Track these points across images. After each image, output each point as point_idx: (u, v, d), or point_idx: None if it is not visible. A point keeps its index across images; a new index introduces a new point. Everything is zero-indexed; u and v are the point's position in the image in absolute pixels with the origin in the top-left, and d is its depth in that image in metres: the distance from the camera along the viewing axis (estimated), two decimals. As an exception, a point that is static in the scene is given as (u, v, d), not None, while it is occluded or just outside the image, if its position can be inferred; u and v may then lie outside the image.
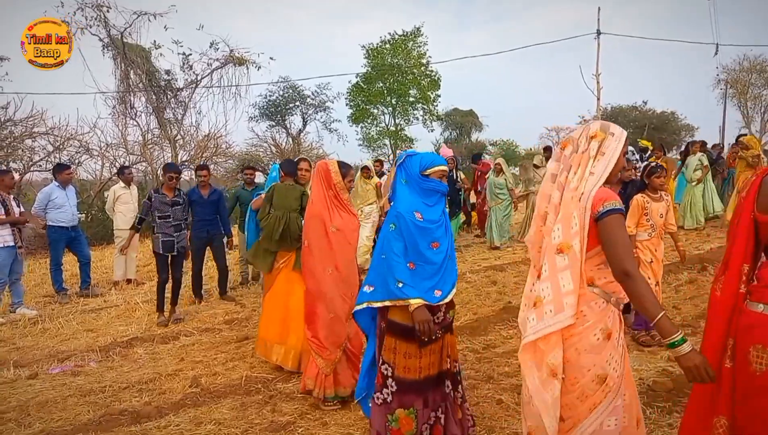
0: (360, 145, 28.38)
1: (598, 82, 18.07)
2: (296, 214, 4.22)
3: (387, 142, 28.12)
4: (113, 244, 8.47)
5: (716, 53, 21.43)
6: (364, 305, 2.71)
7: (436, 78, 27.53)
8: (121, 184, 8.03)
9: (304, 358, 3.86)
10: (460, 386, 2.79)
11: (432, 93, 27.92)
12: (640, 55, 75.41)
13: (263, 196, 4.58)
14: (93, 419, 3.54)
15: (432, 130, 29.89)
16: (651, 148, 9.50)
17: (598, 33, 18.03)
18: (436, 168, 2.64)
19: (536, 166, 9.51)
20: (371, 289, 2.70)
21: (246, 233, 4.89)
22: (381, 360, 2.69)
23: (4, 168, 8.96)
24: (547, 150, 10.37)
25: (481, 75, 66.46)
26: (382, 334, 2.72)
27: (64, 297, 7.05)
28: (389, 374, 2.64)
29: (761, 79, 26.65)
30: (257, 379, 4.10)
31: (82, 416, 3.61)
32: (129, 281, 7.86)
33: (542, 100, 60.00)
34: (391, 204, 2.77)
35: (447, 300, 2.63)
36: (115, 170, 13.44)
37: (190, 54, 15.66)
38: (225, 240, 6.75)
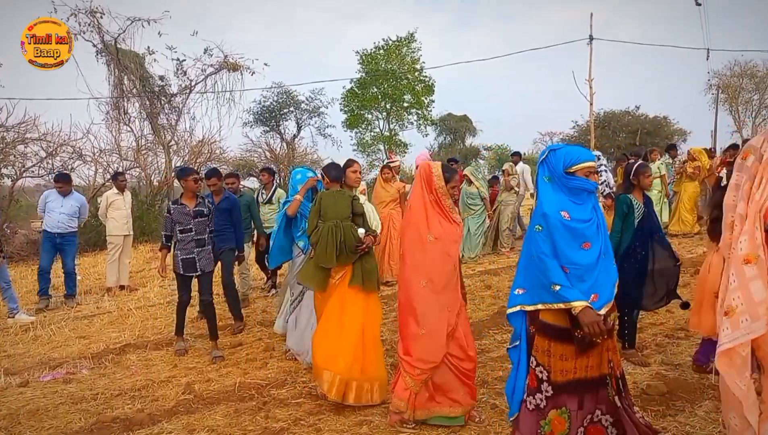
0: (354, 150, 28.49)
1: (591, 88, 18.14)
2: (349, 222, 3.76)
3: (381, 147, 28.19)
4: (106, 251, 8.41)
5: (708, 58, 21.61)
6: (517, 308, 2.59)
7: (430, 83, 27.68)
8: (114, 190, 8.01)
9: (353, 388, 3.46)
10: (624, 394, 2.59)
11: (426, 98, 28.05)
12: (633, 60, 75.94)
13: (298, 198, 4.17)
14: (85, 427, 3.52)
15: (426, 135, 30.16)
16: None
17: (591, 39, 18.13)
18: (582, 164, 2.44)
19: (508, 174, 9.23)
20: (523, 291, 2.58)
21: (271, 245, 4.60)
22: (534, 362, 2.54)
23: None
24: (515, 155, 10.36)
25: (476, 79, 66.56)
26: (530, 338, 2.59)
27: (42, 301, 6.96)
28: (544, 378, 2.49)
29: (752, 83, 26.93)
30: (251, 385, 4.08)
31: (74, 424, 3.58)
32: (122, 287, 7.83)
33: (537, 105, 60.09)
34: (536, 201, 2.62)
35: (608, 306, 2.43)
36: (108, 176, 13.37)
37: (184, 60, 15.71)
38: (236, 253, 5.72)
